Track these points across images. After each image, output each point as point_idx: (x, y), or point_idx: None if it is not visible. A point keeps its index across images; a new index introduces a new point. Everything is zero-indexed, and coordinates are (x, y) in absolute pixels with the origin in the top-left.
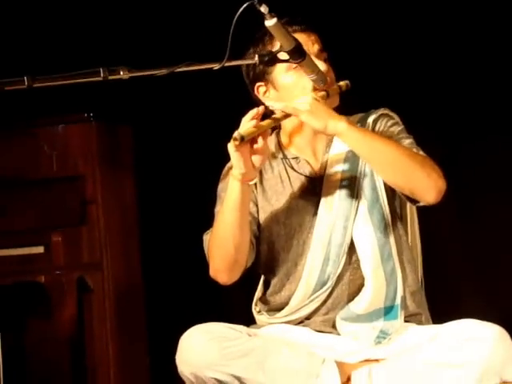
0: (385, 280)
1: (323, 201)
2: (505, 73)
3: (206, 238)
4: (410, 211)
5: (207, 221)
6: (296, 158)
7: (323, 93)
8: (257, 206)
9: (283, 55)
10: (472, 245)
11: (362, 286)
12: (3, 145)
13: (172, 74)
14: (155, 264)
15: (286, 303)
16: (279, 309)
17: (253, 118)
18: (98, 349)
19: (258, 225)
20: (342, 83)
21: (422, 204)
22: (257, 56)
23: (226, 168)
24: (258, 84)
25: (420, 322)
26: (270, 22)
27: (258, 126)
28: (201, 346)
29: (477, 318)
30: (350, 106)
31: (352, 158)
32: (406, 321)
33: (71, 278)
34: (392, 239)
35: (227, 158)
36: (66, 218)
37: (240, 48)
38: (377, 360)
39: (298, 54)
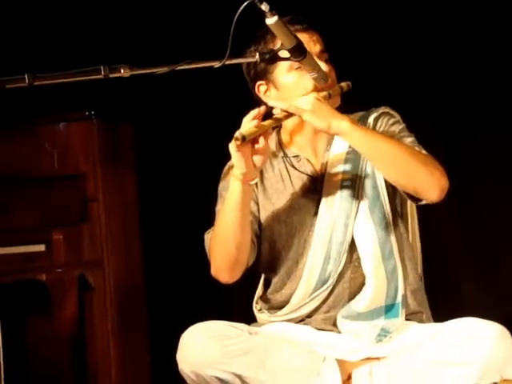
0: (386, 278)
1: (324, 199)
2: (504, 70)
3: (207, 236)
4: (411, 209)
5: (208, 219)
6: (297, 156)
7: (325, 93)
8: (258, 204)
9: (284, 53)
10: (473, 243)
11: (362, 284)
12: (4, 143)
13: (173, 72)
14: (156, 262)
15: (287, 301)
16: (280, 307)
17: (254, 118)
18: (98, 347)
19: (259, 224)
20: (343, 84)
21: (424, 202)
22: (258, 54)
23: (226, 167)
24: (259, 82)
25: (421, 321)
26: (270, 20)
27: (260, 125)
28: (201, 345)
29: (478, 317)
30: (351, 104)
31: (353, 156)
32: (407, 319)
33: (72, 276)
34: (393, 237)
35: (228, 157)
36: (67, 216)
37: (241, 46)
38: (378, 358)
39: (298, 52)
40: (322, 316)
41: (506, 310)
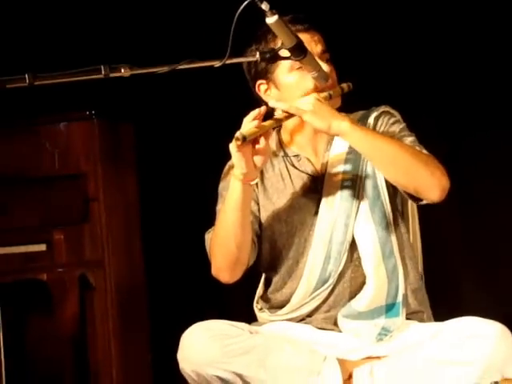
0: (386, 277)
1: (324, 199)
2: (505, 69)
3: (208, 236)
4: (411, 209)
5: (209, 219)
6: (297, 155)
7: (326, 94)
8: (258, 204)
9: (284, 52)
10: (473, 242)
11: (363, 283)
12: (5, 142)
13: (173, 72)
14: (157, 261)
15: (288, 301)
16: (280, 306)
17: (255, 119)
18: (100, 346)
19: (260, 223)
20: (344, 85)
21: (424, 202)
22: (258, 53)
23: (226, 166)
24: (259, 82)
25: (421, 320)
26: (271, 20)
27: (260, 126)
28: (202, 344)
29: (478, 316)
30: (352, 103)
31: (353, 156)
32: (407, 318)
33: (73, 276)
34: (393, 237)
35: (229, 156)
36: (68, 216)
37: (242, 45)
38: (378, 357)
39: (299, 52)
40: (323, 315)
41: (506, 310)
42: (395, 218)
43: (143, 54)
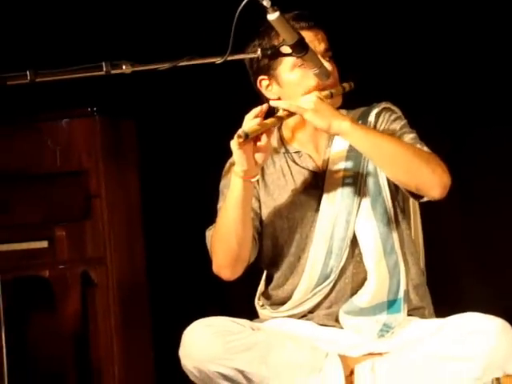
0: (388, 273)
1: (326, 195)
2: (506, 66)
3: (209, 233)
4: (413, 205)
5: (210, 216)
6: (298, 152)
7: (327, 92)
8: (259, 201)
9: (286, 49)
10: (474, 238)
11: (364, 279)
12: (7, 139)
13: (175, 68)
14: (159, 258)
15: (289, 297)
16: (282, 303)
17: (256, 116)
18: (102, 343)
19: (261, 220)
20: (345, 84)
21: (425, 199)
22: (259, 50)
23: (227, 164)
24: (261, 77)
25: (423, 316)
26: (272, 16)
27: (262, 124)
28: (204, 340)
29: (479, 312)
30: (353, 99)
31: (355, 152)
32: (409, 314)
33: (75, 273)
34: (395, 233)
35: (230, 154)
36: (70, 213)
37: (243, 42)
38: (380, 353)
39: (300, 48)
40: (324, 311)
41: (507, 305)
42: (396, 214)
43: (144, 50)
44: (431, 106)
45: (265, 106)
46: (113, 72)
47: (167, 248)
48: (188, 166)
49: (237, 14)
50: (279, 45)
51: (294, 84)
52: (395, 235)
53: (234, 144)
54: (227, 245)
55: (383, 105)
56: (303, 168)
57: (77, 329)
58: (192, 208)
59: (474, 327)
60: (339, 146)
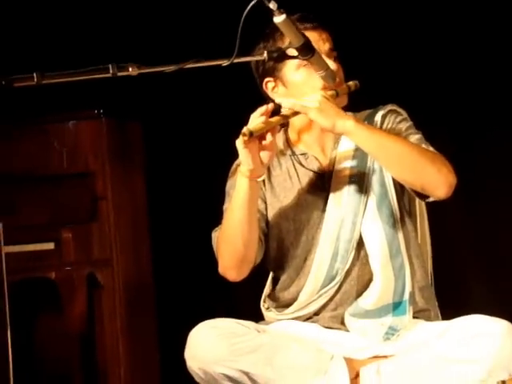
0: (393, 275)
1: (332, 196)
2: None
3: (215, 235)
4: (420, 207)
5: (216, 217)
6: (304, 154)
7: (333, 92)
8: (265, 203)
9: (292, 51)
10: (480, 241)
11: (370, 281)
12: (14, 141)
13: (181, 71)
14: (165, 260)
15: (295, 299)
16: (288, 305)
17: (262, 115)
18: (108, 345)
19: (267, 222)
20: (351, 83)
21: (431, 200)
22: (266, 52)
23: (234, 165)
24: (267, 79)
25: (429, 318)
26: (278, 19)
27: (267, 122)
28: (209, 342)
29: (485, 314)
30: (359, 101)
31: (361, 154)
32: (414, 317)
33: (81, 274)
34: (400, 235)
35: (236, 155)
36: (77, 215)
37: (249, 44)
38: (385, 356)
39: (306, 51)
40: (330, 314)
41: None
42: (402, 216)
43: (151, 53)
44: (436, 107)
45: (270, 105)
46: (119, 74)
47: (173, 250)
48: (194, 168)
49: (243, 16)
50: (285, 47)
51: (300, 84)
52: (401, 237)
53: (239, 142)
54: (233, 246)
55: (389, 107)
56: (309, 170)
57: (83, 330)
58: (198, 209)
59: (480, 329)
60: (345, 148)
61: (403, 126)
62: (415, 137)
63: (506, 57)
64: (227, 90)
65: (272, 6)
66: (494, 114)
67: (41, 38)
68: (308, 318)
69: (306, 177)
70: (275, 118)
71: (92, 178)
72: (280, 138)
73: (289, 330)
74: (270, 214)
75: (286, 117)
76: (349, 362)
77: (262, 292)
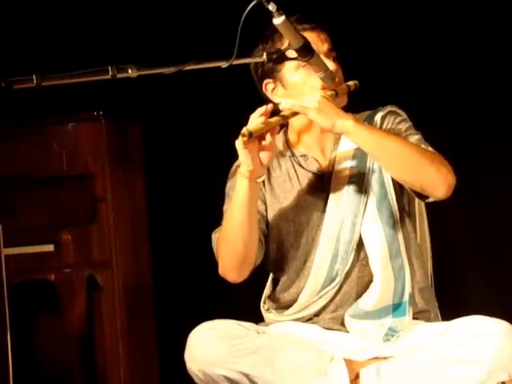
0: (393, 276)
1: (331, 198)
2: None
3: (215, 236)
4: (419, 208)
5: (216, 219)
6: (304, 155)
7: (332, 92)
8: (265, 204)
9: (291, 53)
10: (480, 241)
11: (370, 282)
12: (13, 143)
13: (180, 73)
14: (164, 262)
15: (295, 300)
16: (288, 306)
17: (261, 115)
18: (107, 347)
19: (267, 223)
20: (350, 83)
21: (431, 200)
22: (265, 54)
23: (234, 166)
24: (266, 81)
25: (428, 319)
26: (278, 20)
27: (267, 122)
28: (209, 343)
29: (485, 315)
30: (358, 103)
31: (360, 155)
32: (414, 318)
33: (81, 276)
34: (400, 236)
35: (235, 156)
36: (76, 217)
37: (248, 46)
38: (385, 358)
39: (306, 52)
40: (330, 315)
41: None
42: (402, 217)
43: (150, 54)
44: (436, 108)
45: (270, 106)
46: (119, 76)
47: (173, 251)
48: (193, 170)
49: (242, 18)
50: (285, 49)
51: (299, 84)
52: (401, 238)
53: (238, 143)
54: (233, 247)
55: (388, 108)
56: (309, 171)
57: (82, 332)
58: (197, 211)
59: (480, 330)
60: (344, 149)
61: (403, 126)
62: (415, 137)
63: (505, 57)
64: (226, 92)
65: (271, 7)
66: (494, 114)
67: (40, 40)
68: (308, 320)
69: (305, 178)
70: (275, 119)
71: (91, 179)
72: (279, 139)
73: (289, 331)
74: (270, 216)
75: (286, 117)
76: (349, 363)
77: (262, 293)
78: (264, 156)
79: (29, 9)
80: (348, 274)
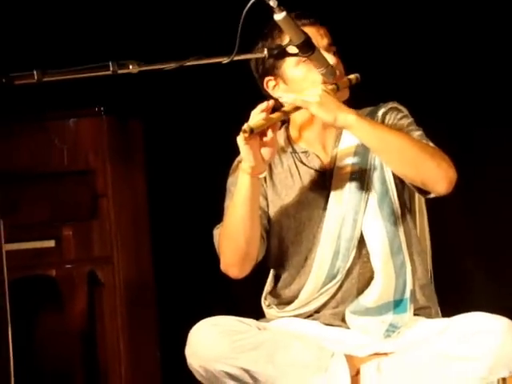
0: (394, 273)
1: (333, 194)
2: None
3: (217, 232)
4: (419, 203)
5: (217, 215)
6: (305, 151)
7: (333, 86)
8: (267, 200)
9: (292, 49)
10: (480, 238)
11: (371, 279)
12: (14, 139)
13: (181, 68)
14: (166, 258)
15: (296, 297)
16: (289, 302)
17: (262, 111)
18: (108, 343)
19: (268, 219)
20: (351, 76)
21: (432, 196)
22: (266, 50)
23: (235, 162)
24: (267, 78)
25: (429, 316)
26: (279, 16)
27: (268, 118)
28: (210, 339)
29: (485, 311)
30: (360, 99)
31: (362, 151)
32: (415, 314)
33: (82, 272)
34: (401, 232)
35: (237, 152)
36: (77, 212)
37: (249, 42)
38: (386, 354)
39: (307, 48)
40: (331, 311)
41: None
42: (403, 213)
43: (151, 50)
44: (437, 107)
45: (271, 102)
46: (119, 72)
47: (174, 247)
48: (195, 165)
49: (243, 13)
50: (286, 45)
51: (300, 79)
52: (402, 235)
53: (240, 139)
54: (235, 243)
55: (390, 104)
56: (310, 168)
57: (83, 328)
58: (199, 207)
59: (480, 327)
60: (346, 145)
61: (404, 122)
62: (416, 133)
63: (505, 57)
64: (228, 88)
65: (272, 3)
66: (494, 114)
67: (41, 36)
68: (309, 316)
69: (307, 175)
70: (276, 115)
71: (92, 175)
72: (281, 135)
73: (290, 327)
74: (272, 212)
75: (287, 113)
76: (349, 359)
77: (263, 289)
78: (265, 152)
79: (30, 5)
80: (349, 271)
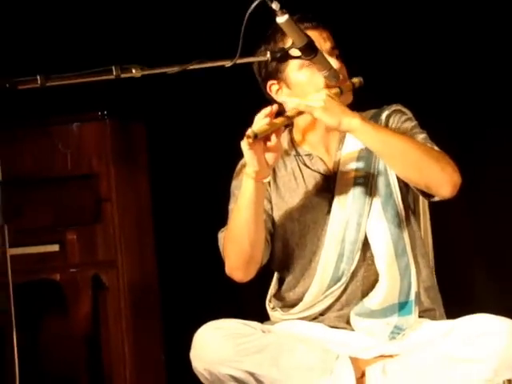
0: (399, 275)
1: (337, 197)
2: None
3: (221, 235)
4: (422, 206)
5: (221, 218)
6: (309, 154)
7: (337, 90)
8: (271, 203)
9: (295, 52)
10: (484, 239)
11: (376, 281)
12: (18, 143)
13: (184, 72)
14: (170, 261)
15: (300, 299)
16: (293, 305)
17: (266, 116)
18: (113, 346)
19: (273, 222)
20: (355, 80)
21: (436, 199)
22: (269, 53)
23: (239, 165)
24: (270, 82)
25: (434, 318)
26: (281, 19)
27: (272, 123)
28: (215, 343)
29: (490, 313)
30: (363, 102)
31: (366, 154)
32: (420, 316)
33: (86, 276)
34: (406, 235)
35: (240, 156)
36: (81, 216)
37: (252, 45)
38: (391, 356)
39: (309, 51)
40: (336, 314)
41: None
42: (407, 215)
43: (154, 54)
44: (441, 107)
45: (275, 107)
46: (123, 76)
47: (178, 250)
48: (198, 169)
49: (246, 17)
50: (288, 48)
51: (304, 84)
52: (406, 237)
53: (244, 144)
54: (240, 246)
55: (394, 107)
56: (314, 171)
57: (88, 332)
58: (202, 210)
59: (485, 329)
60: (350, 148)
61: (408, 125)
62: (420, 136)
63: (505, 57)
64: (231, 91)
65: (275, 6)
66: (494, 114)
67: (44, 40)
68: (314, 318)
69: (311, 178)
70: (279, 119)
71: (96, 179)
72: (284, 138)
73: (294, 330)
74: (276, 215)
75: (291, 117)
76: (354, 361)
77: (267, 292)
78: (269, 157)
79: (33, 9)
80: (354, 274)
